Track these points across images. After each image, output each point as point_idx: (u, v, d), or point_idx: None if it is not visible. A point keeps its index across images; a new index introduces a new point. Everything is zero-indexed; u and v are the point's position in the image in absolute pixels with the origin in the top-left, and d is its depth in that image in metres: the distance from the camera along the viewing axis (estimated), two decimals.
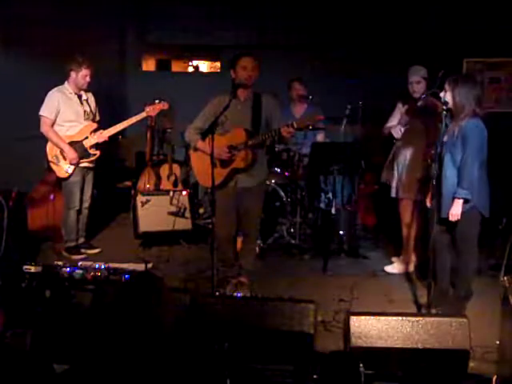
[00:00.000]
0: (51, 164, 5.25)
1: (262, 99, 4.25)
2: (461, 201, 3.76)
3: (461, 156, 3.78)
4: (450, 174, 3.83)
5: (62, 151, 5.19)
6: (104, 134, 5.30)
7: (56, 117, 5.17)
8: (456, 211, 3.78)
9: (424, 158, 4.70)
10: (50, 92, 5.19)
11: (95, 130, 5.31)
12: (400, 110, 5.01)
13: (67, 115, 5.20)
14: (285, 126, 3.95)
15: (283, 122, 4.13)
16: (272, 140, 4.21)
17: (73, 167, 5.22)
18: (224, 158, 4.14)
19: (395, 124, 5.00)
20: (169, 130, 6.45)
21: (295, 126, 3.92)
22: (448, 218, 3.81)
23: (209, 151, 3.98)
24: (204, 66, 9.44)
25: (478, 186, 3.80)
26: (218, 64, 8.52)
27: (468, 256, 3.93)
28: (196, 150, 4.35)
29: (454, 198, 3.78)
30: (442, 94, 3.85)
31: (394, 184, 5.01)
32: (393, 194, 5.02)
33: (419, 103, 4.80)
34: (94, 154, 5.32)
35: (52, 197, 5.65)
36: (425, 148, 4.72)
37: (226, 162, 4.18)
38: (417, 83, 4.78)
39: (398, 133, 4.96)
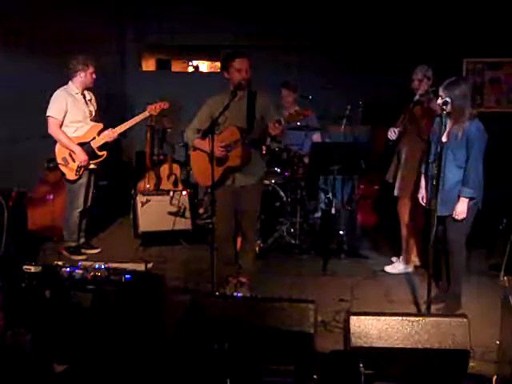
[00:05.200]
0: (60, 166, 5.14)
1: (257, 97, 4.25)
2: (467, 200, 3.88)
3: (465, 157, 3.88)
4: (452, 174, 3.90)
5: (70, 153, 5.10)
6: (114, 133, 5.20)
7: (64, 117, 5.07)
8: (462, 209, 3.88)
9: (421, 156, 4.70)
10: (57, 92, 5.09)
11: (101, 131, 5.24)
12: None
13: (75, 116, 5.12)
14: (272, 124, 3.96)
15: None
16: (264, 137, 4.22)
17: (82, 169, 5.13)
18: (219, 157, 4.13)
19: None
20: (169, 130, 6.45)
21: (283, 122, 3.94)
22: (446, 215, 3.91)
23: (205, 149, 4.08)
24: (204, 66, 9.45)
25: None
26: (218, 64, 8.52)
27: (457, 251, 4.02)
28: (195, 149, 4.36)
29: (459, 197, 3.88)
30: (439, 101, 3.88)
31: (396, 183, 5.01)
32: (395, 193, 5.02)
33: (415, 98, 4.75)
34: (102, 155, 5.25)
35: (52, 197, 5.64)
36: (421, 146, 4.71)
37: (221, 160, 4.18)
38: (418, 81, 4.77)
39: (392, 134, 4.87)
